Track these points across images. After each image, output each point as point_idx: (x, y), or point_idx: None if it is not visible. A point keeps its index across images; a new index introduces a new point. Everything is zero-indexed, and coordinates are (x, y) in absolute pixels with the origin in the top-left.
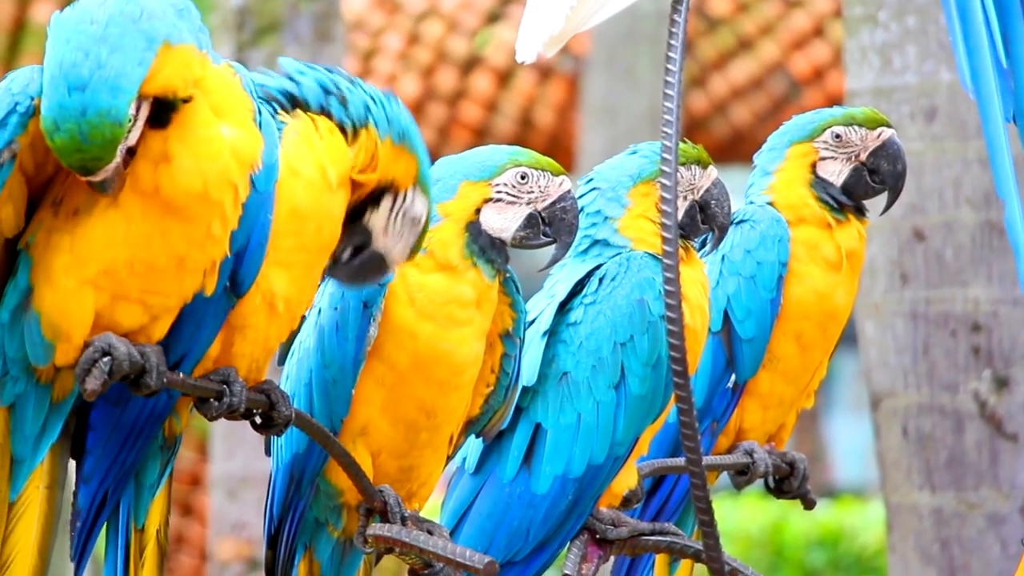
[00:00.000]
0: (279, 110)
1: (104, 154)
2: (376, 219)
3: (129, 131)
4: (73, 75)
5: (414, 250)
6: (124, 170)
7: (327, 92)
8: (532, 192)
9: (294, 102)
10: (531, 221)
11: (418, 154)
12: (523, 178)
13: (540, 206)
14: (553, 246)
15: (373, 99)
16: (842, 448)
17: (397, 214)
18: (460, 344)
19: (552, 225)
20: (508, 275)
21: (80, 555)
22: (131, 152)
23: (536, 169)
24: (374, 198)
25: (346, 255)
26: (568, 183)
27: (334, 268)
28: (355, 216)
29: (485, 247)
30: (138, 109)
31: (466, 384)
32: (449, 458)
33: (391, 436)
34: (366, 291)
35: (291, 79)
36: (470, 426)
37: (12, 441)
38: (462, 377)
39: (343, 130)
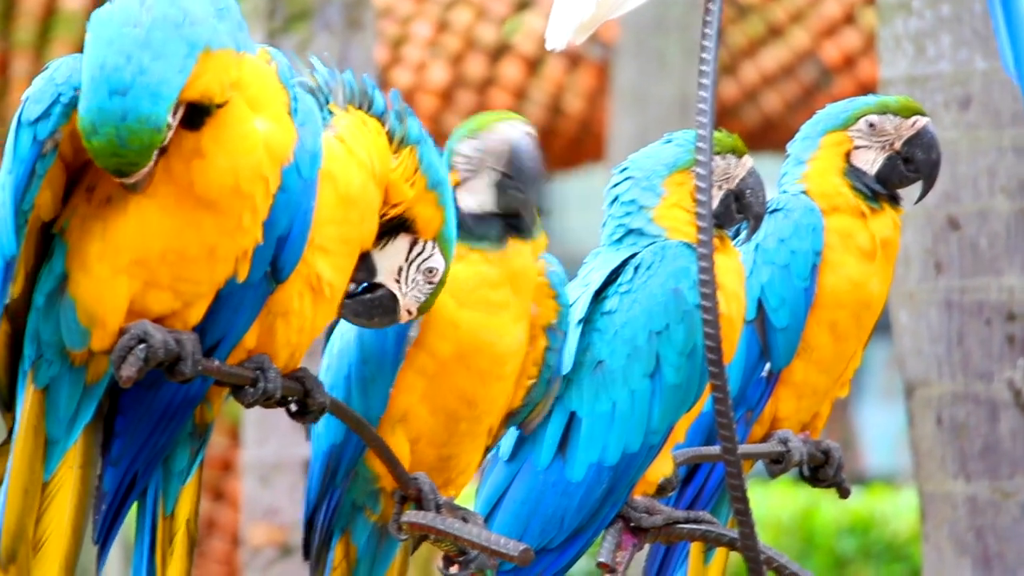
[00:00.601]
0: (331, 101)
1: (140, 159)
2: (386, 257)
3: (166, 135)
4: (115, 79)
5: (426, 305)
6: (154, 170)
7: (386, 107)
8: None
9: (351, 97)
10: (497, 188)
11: (446, 210)
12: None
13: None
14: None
15: (424, 140)
16: (873, 435)
17: (412, 262)
18: (503, 333)
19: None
20: (552, 268)
21: (104, 538)
22: (162, 151)
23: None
24: (390, 231)
25: (354, 288)
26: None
27: (344, 300)
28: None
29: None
30: (175, 114)
31: (508, 375)
32: (488, 449)
33: (431, 425)
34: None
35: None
36: (510, 418)
37: (46, 422)
38: (504, 367)
39: (390, 139)
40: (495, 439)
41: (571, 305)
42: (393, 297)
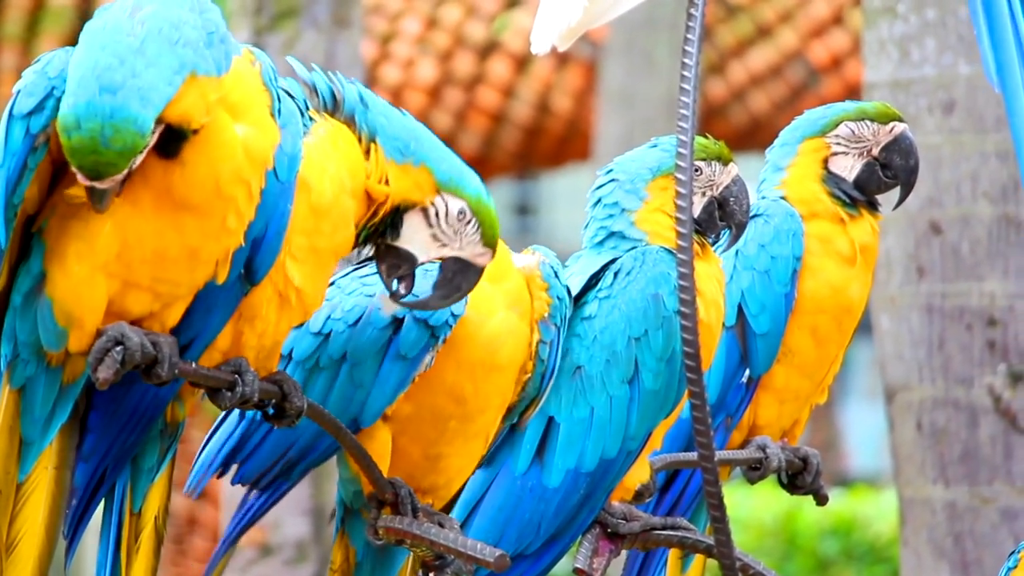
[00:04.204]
0: (311, 108)
1: (119, 161)
2: (411, 239)
3: (145, 145)
4: (107, 78)
5: (488, 244)
6: (120, 191)
7: (363, 100)
8: None
9: (330, 104)
10: None
11: (428, 163)
12: None
13: None
14: None
15: (386, 119)
16: (856, 436)
17: (439, 225)
18: (491, 325)
19: None
20: (545, 260)
21: (73, 533)
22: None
23: None
24: (394, 223)
25: (435, 279)
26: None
27: (418, 300)
28: (382, 246)
29: None
30: (153, 130)
31: (502, 370)
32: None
33: (416, 423)
34: (435, 317)
35: (335, 81)
36: (506, 415)
37: (22, 423)
38: (495, 361)
39: (359, 139)
40: (492, 441)
41: (564, 298)
42: (457, 259)
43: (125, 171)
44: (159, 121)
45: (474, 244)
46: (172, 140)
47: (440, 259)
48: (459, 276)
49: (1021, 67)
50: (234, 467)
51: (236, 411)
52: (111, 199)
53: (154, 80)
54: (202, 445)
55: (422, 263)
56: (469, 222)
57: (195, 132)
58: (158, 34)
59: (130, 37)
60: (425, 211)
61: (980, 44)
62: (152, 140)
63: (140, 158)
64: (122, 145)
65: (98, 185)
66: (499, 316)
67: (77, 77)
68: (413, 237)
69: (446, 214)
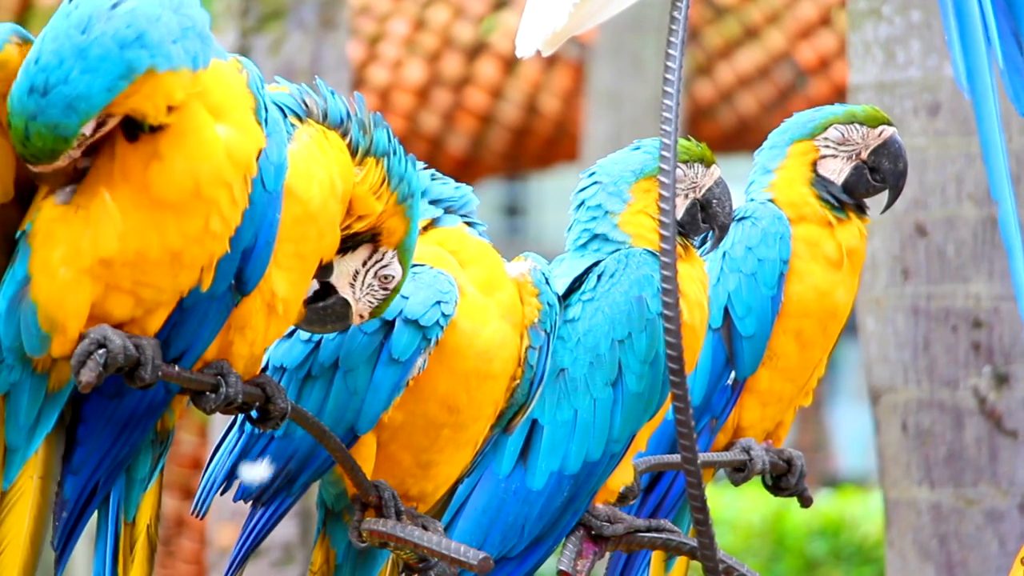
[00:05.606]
0: (290, 115)
1: (43, 157)
2: (345, 264)
3: (80, 144)
4: (39, 78)
5: (377, 310)
6: (69, 169)
7: (349, 115)
8: None
9: (309, 111)
10: None
11: (411, 222)
12: None
13: None
14: None
15: (395, 151)
16: (844, 437)
17: (370, 269)
18: (485, 334)
19: None
20: (535, 266)
21: (64, 545)
22: (90, 152)
23: None
24: (352, 245)
25: (310, 297)
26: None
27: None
28: None
29: None
30: (99, 125)
31: (495, 378)
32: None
33: (408, 431)
34: (425, 317)
35: (315, 92)
36: (495, 422)
37: (6, 430)
38: (489, 369)
39: (353, 152)
40: (482, 447)
41: (555, 304)
42: (346, 303)
43: (59, 163)
44: (110, 114)
45: (367, 306)
46: (134, 126)
47: (336, 291)
48: (333, 317)
49: (991, 74)
50: (236, 482)
51: (236, 427)
52: (58, 181)
53: (87, 88)
54: (206, 463)
55: (329, 285)
56: (384, 290)
57: (159, 128)
58: (113, 36)
59: (83, 35)
60: (373, 253)
61: (951, 50)
62: (108, 127)
63: (91, 141)
64: (43, 144)
65: (34, 169)
66: (493, 326)
67: (24, 63)
68: (346, 260)
69: (380, 268)
